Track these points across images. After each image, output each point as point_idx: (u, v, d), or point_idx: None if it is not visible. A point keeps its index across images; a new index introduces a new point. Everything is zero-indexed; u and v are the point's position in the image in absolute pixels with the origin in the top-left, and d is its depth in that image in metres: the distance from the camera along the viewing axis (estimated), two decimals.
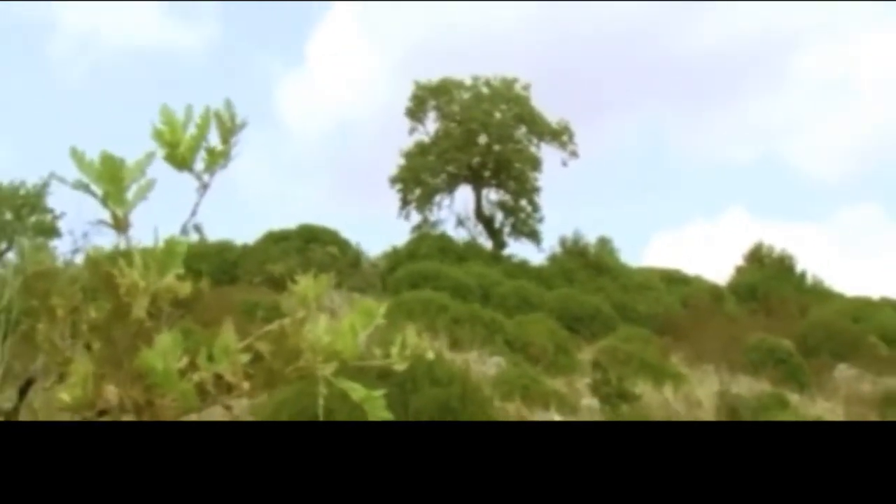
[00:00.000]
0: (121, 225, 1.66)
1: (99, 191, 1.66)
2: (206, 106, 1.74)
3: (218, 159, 1.73)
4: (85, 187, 1.66)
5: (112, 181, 1.64)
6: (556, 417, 17.84)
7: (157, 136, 1.69)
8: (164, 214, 1.81)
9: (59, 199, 31.20)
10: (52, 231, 30.62)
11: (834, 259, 61.65)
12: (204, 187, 1.73)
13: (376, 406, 1.74)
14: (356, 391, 1.71)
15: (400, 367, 1.79)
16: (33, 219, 31.57)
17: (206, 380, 1.63)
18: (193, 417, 1.70)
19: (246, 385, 1.62)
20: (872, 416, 20.42)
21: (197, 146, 1.71)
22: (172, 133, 1.70)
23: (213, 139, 1.75)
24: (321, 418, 1.57)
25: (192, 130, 1.72)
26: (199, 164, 1.75)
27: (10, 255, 27.95)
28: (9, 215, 31.59)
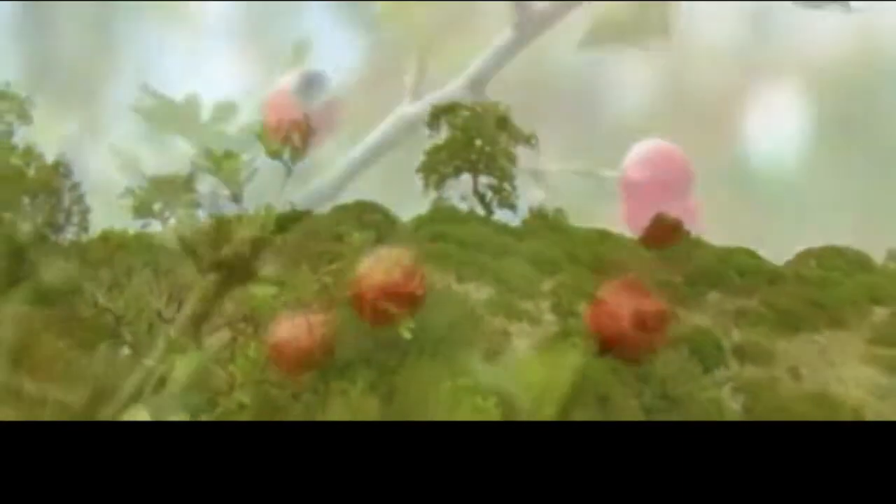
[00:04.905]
0: (236, 198, 1.63)
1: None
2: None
3: (298, 154, 1.67)
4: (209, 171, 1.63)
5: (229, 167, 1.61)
6: (527, 328, 17.87)
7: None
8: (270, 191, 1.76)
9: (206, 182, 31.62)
10: (199, 205, 30.85)
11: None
12: (288, 173, 1.68)
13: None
14: None
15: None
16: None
17: (288, 302, 1.60)
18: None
19: (315, 305, 1.59)
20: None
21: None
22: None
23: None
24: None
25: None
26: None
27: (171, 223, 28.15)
28: None
